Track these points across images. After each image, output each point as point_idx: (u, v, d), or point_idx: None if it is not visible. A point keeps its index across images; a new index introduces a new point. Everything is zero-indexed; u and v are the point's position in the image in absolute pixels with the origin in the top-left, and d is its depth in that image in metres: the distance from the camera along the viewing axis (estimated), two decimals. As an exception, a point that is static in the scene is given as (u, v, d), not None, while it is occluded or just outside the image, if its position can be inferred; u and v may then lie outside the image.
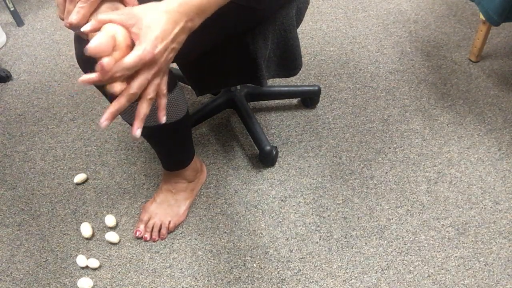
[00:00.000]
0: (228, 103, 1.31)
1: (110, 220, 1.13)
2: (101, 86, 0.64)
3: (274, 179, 1.22)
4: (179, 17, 0.59)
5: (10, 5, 1.73)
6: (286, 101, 1.44)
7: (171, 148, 1.04)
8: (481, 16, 1.40)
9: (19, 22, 1.79)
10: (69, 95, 1.49)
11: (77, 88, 1.50)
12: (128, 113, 0.89)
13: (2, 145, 1.35)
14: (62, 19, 0.65)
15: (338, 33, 1.68)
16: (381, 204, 1.16)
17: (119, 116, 1.40)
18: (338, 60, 1.57)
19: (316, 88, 1.36)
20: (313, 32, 1.69)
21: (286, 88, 1.40)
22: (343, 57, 1.58)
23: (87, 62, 0.77)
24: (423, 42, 1.63)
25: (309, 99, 1.40)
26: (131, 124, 0.92)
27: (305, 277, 1.03)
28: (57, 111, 1.44)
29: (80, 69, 1.57)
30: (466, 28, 1.68)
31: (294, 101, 1.44)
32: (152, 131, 0.96)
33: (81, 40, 0.76)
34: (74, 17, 0.61)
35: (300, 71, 1.53)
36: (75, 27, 0.62)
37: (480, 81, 1.48)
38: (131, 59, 0.55)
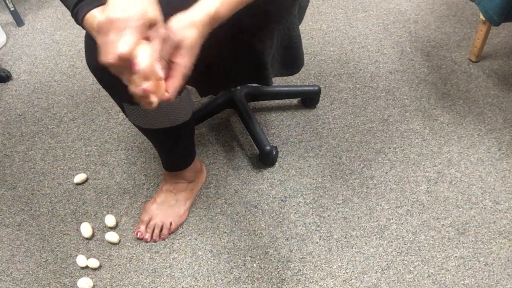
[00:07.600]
0: (228, 103, 1.31)
1: (110, 220, 1.13)
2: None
3: (274, 179, 1.22)
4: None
5: (10, 5, 1.73)
6: (286, 101, 1.44)
7: (174, 150, 1.04)
8: (481, 16, 1.40)
9: (19, 22, 1.79)
10: (69, 95, 1.49)
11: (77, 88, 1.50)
12: (134, 115, 0.89)
13: (2, 145, 1.35)
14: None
15: (338, 33, 1.68)
16: (381, 204, 1.16)
17: (119, 116, 1.41)
18: (338, 60, 1.57)
19: (316, 88, 1.36)
20: (313, 32, 1.69)
21: (286, 88, 1.40)
22: (343, 57, 1.58)
23: (102, 70, 0.77)
24: (423, 42, 1.63)
25: (309, 99, 1.40)
26: (140, 126, 0.93)
27: (305, 277, 1.03)
28: (57, 111, 1.44)
29: (80, 69, 1.57)
30: (466, 28, 1.68)
31: (294, 101, 1.44)
32: (156, 133, 0.96)
33: (93, 47, 0.75)
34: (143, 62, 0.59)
35: (300, 71, 1.53)
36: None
37: (480, 81, 1.48)
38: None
